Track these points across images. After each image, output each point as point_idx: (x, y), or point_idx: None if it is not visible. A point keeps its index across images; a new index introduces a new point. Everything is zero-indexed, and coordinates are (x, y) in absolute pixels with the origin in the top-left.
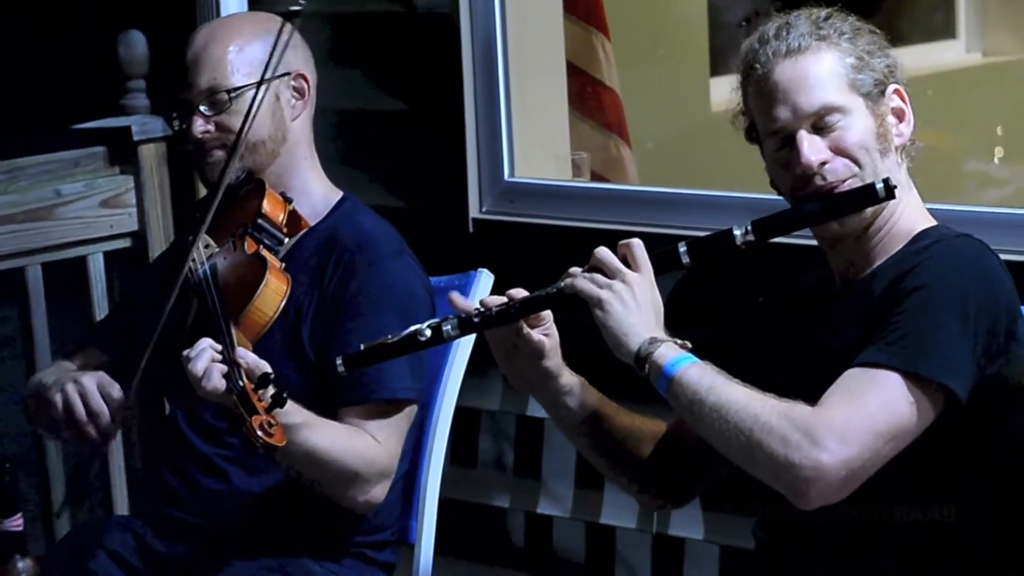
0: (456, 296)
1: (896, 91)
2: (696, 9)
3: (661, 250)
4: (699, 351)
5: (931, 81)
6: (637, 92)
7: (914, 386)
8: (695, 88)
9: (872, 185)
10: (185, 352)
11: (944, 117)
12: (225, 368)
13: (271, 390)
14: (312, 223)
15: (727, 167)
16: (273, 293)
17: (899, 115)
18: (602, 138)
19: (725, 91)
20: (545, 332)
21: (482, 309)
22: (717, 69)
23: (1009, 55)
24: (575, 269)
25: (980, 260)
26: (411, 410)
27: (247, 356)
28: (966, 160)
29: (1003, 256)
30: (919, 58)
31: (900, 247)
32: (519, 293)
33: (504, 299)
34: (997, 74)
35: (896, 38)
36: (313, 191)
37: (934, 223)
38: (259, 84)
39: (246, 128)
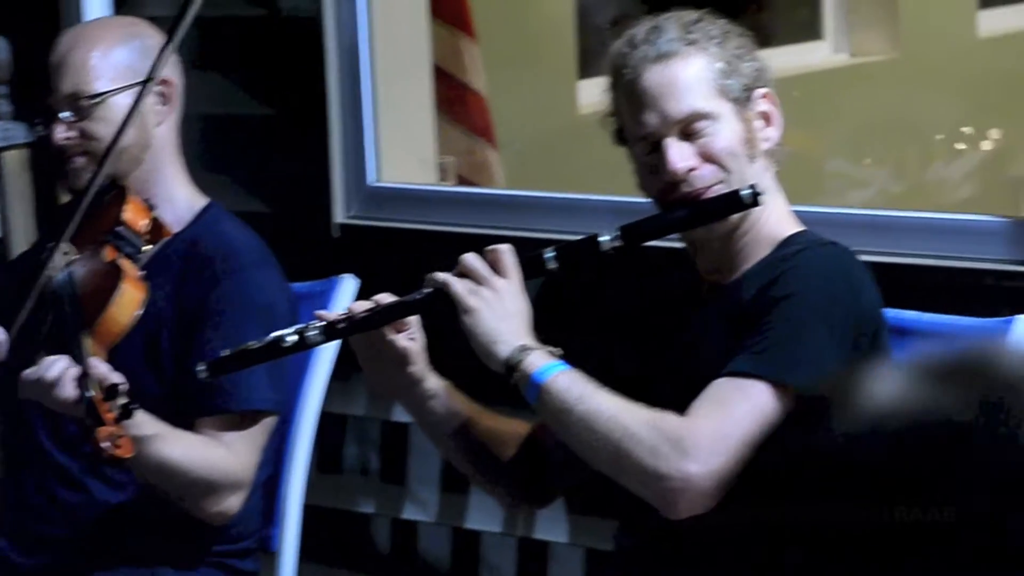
0: (323, 313)
1: (764, 95)
2: (564, 11)
3: (528, 256)
4: (569, 358)
5: (798, 82)
6: (504, 95)
7: (783, 395)
8: (563, 91)
9: (738, 192)
10: (40, 360)
11: (811, 118)
12: (78, 377)
13: (120, 401)
14: (176, 230)
15: (595, 170)
16: (128, 302)
17: (767, 119)
18: (469, 142)
19: (593, 93)
20: (411, 337)
21: (348, 315)
22: (585, 71)
23: (876, 55)
24: (438, 274)
25: (846, 269)
26: (270, 421)
27: (98, 366)
28: (832, 161)
29: (866, 258)
30: (786, 59)
31: (767, 252)
32: (386, 298)
33: (370, 304)
34: (864, 74)
35: (763, 39)
36: (177, 198)
37: (801, 228)
38: (140, 91)
39: (116, 135)
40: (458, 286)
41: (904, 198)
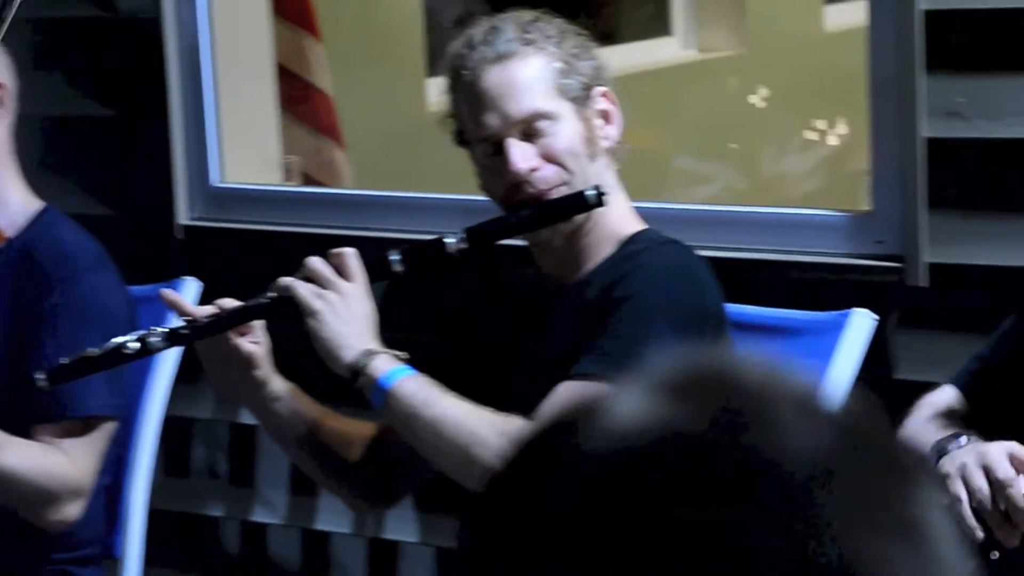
0: (168, 293)
1: (603, 93)
2: (411, 10)
3: (374, 258)
4: (415, 361)
5: (647, 78)
6: (352, 94)
7: None
8: (411, 89)
9: (582, 193)
10: None
11: (660, 114)
12: None
13: None
14: (10, 235)
15: (445, 169)
16: None
17: (606, 117)
18: (315, 141)
19: (442, 92)
20: (254, 341)
21: (191, 320)
22: (434, 70)
23: (724, 51)
24: (285, 279)
25: (688, 268)
26: (109, 426)
27: None
28: (679, 157)
29: (712, 253)
30: (635, 55)
31: (610, 251)
32: (229, 303)
33: (214, 309)
34: (712, 70)
35: (611, 36)
36: (12, 202)
37: (643, 226)
38: None
39: None
40: (302, 290)
41: (750, 193)
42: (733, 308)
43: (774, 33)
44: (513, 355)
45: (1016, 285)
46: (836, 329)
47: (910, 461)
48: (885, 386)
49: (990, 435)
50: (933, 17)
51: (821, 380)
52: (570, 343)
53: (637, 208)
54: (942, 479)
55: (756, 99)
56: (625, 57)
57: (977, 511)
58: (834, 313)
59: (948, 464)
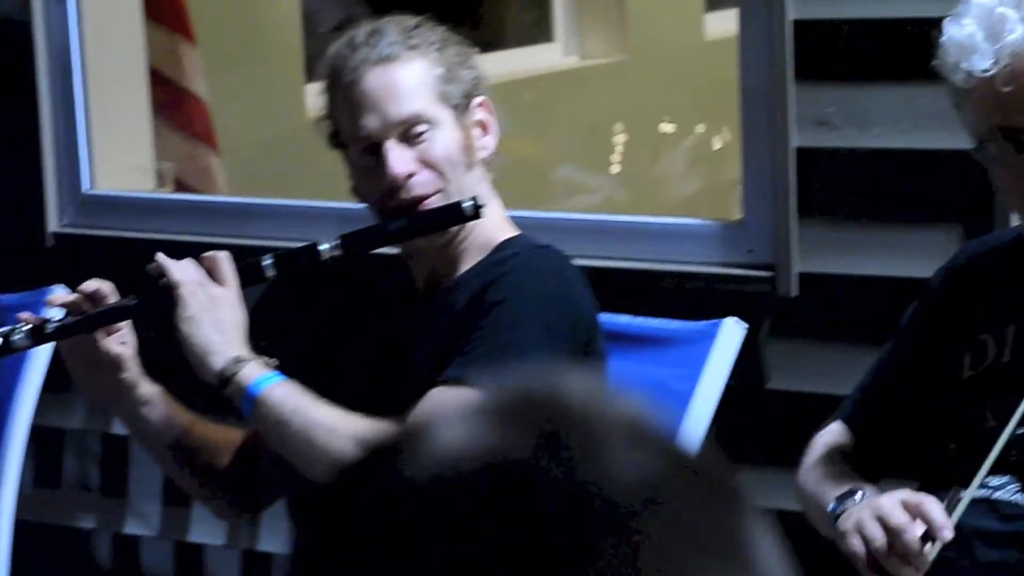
0: (26, 315)
1: (481, 104)
2: (289, 14)
3: (245, 263)
4: (286, 369)
5: (529, 85)
6: (228, 99)
7: None
8: (289, 95)
9: (459, 204)
10: None
11: (541, 121)
12: None
13: None
14: None
15: (324, 175)
16: None
17: (484, 128)
18: (189, 147)
19: (318, 93)
20: (122, 342)
21: (57, 318)
22: (312, 75)
23: (606, 57)
24: (159, 270)
25: (560, 272)
26: None
27: None
28: (560, 165)
29: (586, 262)
30: (516, 62)
31: (483, 257)
32: (93, 285)
33: (91, 288)
34: (594, 77)
35: (493, 42)
36: None
37: (516, 232)
38: None
39: None
40: (173, 293)
41: (630, 202)
42: (605, 318)
43: (655, 40)
44: (385, 361)
45: (885, 294)
46: (707, 338)
47: (739, 488)
48: (757, 395)
49: (880, 465)
50: (803, 27)
51: (658, 401)
52: (441, 348)
53: (513, 217)
54: (840, 537)
55: (637, 106)
56: (507, 63)
57: (877, 562)
58: (705, 322)
59: (845, 522)
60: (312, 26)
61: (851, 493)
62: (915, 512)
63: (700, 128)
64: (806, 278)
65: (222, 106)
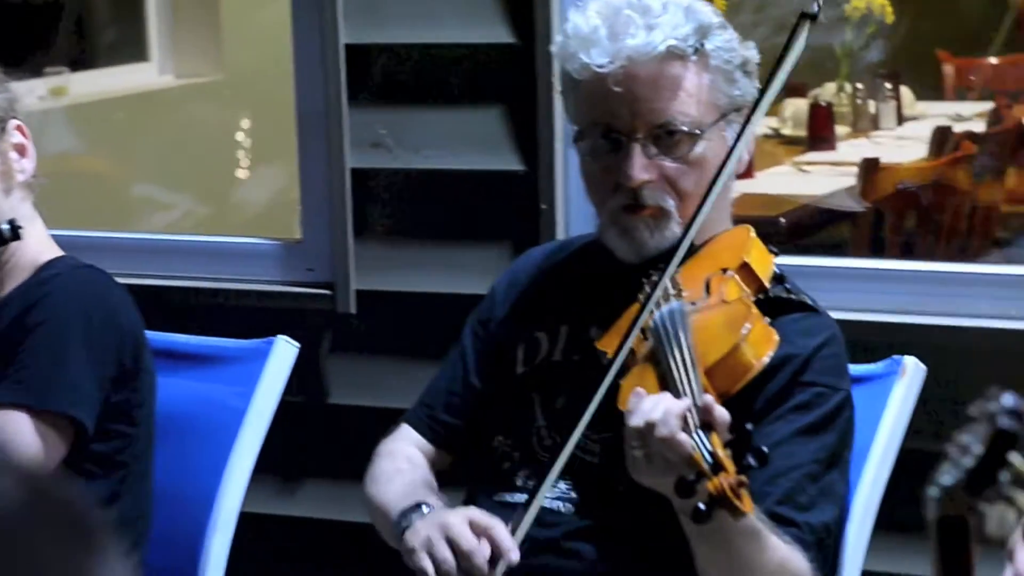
0: None
1: (17, 127)
2: None
3: None
4: None
5: (122, 104)
6: None
7: (43, 422)
8: None
9: None
10: None
11: (130, 140)
12: None
13: None
14: None
15: None
16: None
17: (21, 151)
18: None
19: None
20: None
21: None
22: None
23: (201, 77)
24: None
25: (102, 291)
26: None
27: None
28: (144, 184)
29: (156, 282)
30: (112, 80)
31: (26, 278)
32: None
33: None
34: (189, 96)
35: (83, 60)
36: None
37: (60, 253)
38: None
39: None
40: None
41: (211, 221)
42: (159, 336)
43: (247, 61)
44: None
45: (441, 310)
46: (260, 356)
47: (99, 527)
48: (319, 410)
49: (447, 469)
50: (354, 51)
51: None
52: None
53: (80, 237)
54: (408, 553)
55: (226, 126)
56: (101, 82)
57: None
58: (257, 341)
59: (412, 538)
60: None
61: (417, 507)
62: (483, 533)
63: (283, 149)
64: (364, 295)
65: None
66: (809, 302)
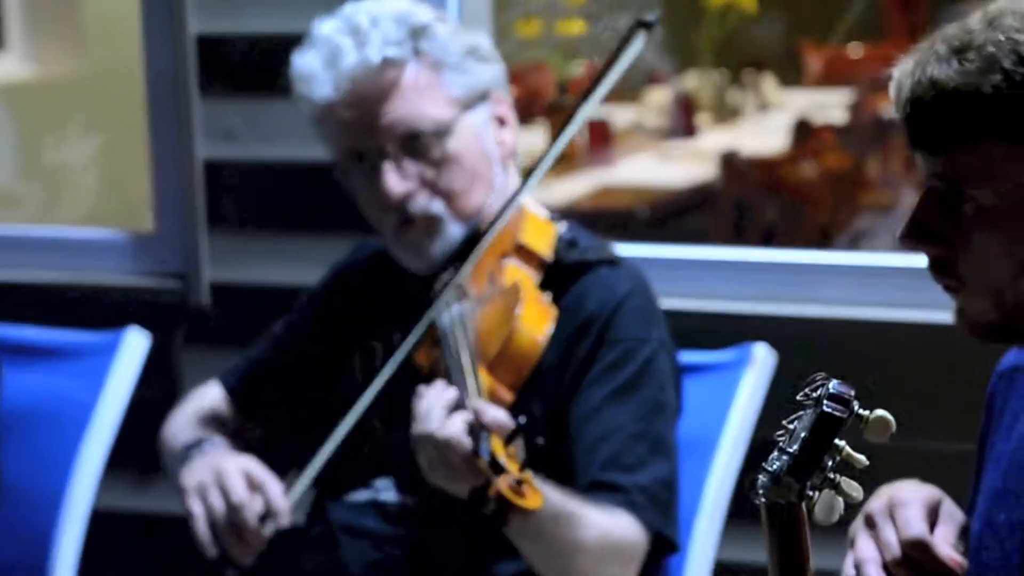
0: None
1: None
2: None
3: None
4: None
5: None
6: None
7: None
8: None
9: None
10: None
11: None
12: None
13: None
14: None
15: None
16: None
17: None
18: None
19: None
20: None
21: None
22: None
23: (64, 65)
24: None
25: None
26: None
27: None
28: None
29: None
30: None
31: None
32: None
33: None
34: (52, 86)
35: None
36: None
37: None
38: None
39: None
40: None
41: (61, 212)
42: (5, 329)
43: (111, 52)
44: None
45: (293, 301)
46: (109, 349)
47: None
48: (172, 404)
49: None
50: (205, 42)
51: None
52: None
53: None
54: (182, 493)
55: (86, 117)
56: None
57: (213, 528)
58: (107, 333)
59: (188, 477)
60: None
61: (199, 442)
62: (257, 489)
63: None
64: (218, 288)
65: None
66: (608, 258)
